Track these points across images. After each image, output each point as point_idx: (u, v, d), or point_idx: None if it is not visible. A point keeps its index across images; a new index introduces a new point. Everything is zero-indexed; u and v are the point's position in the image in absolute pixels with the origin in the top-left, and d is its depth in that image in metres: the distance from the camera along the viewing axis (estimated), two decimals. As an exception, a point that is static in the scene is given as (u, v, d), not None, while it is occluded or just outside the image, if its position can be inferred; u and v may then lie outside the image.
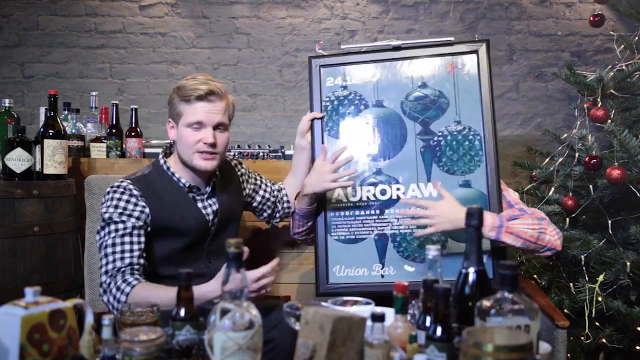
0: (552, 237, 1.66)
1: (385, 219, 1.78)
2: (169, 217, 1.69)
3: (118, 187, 1.68)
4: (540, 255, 1.72)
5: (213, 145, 1.69)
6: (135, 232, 1.65)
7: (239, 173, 1.95)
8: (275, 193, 2.02)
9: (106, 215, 1.65)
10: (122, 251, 1.62)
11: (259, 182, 2.01)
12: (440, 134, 1.79)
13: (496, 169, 1.73)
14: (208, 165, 1.71)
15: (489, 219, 1.61)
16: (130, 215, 1.65)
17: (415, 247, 1.75)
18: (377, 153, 1.83)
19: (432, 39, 1.89)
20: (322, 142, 1.88)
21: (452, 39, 1.86)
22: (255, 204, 2.01)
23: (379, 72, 1.87)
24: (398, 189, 1.79)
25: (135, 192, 1.67)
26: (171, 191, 1.73)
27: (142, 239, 1.66)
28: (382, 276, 1.75)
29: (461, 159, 1.76)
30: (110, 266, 1.60)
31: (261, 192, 2.00)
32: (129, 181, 1.70)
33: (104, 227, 1.66)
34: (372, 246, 1.78)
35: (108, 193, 1.69)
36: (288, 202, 2.02)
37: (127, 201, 1.66)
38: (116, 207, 1.65)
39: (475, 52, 1.80)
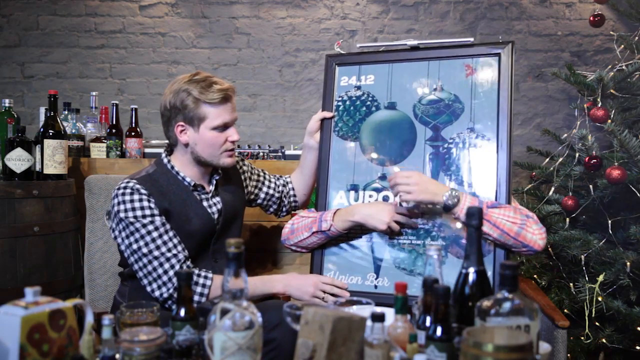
0: (534, 235, 1.53)
1: None
2: (176, 216, 1.68)
3: (125, 188, 1.65)
4: (519, 252, 1.59)
5: (236, 141, 1.75)
6: (167, 226, 1.65)
7: (241, 170, 1.95)
8: (281, 188, 2.01)
9: (130, 220, 1.62)
10: (169, 249, 1.62)
11: (262, 179, 2.00)
12: (451, 140, 1.69)
13: (507, 181, 1.60)
14: (234, 161, 1.78)
15: (467, 201, 1.53)
16: (153, 215, 1.63)
17: (412, 260, 1.67)
18: (383, 157, 1.77)
19: (451, 39, 1.80)
20: (330, 143, 1.84)
21: (471, 39, 1.76)
22: (259, 201, 2.01)
23: (394, 73, 1.81)
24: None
25: (143, 191, 1.65)
26: (177, 190, 1.72)
27: (172, 230, 1.67)
28: (376, 287, 1.69)
29: (471, 168, 1.67)
30: (167, 265, 1.61)
31: (265, 189, 2.00)
32: (134, 181, 1.67)
33: (133, 232, 1.62)
34: (368, 254, 1.72)
35: (117, 195, 1.65)
36: (295, 196, 2.02)
37: (140, 200, 1.64)
38: (134, 209, 1.63)
39: (498, 55, 1.67)
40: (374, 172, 1.78)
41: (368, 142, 1.80)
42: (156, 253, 1.61)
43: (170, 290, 1.61)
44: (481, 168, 1.65)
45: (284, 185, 2.02)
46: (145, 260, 1.62)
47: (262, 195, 2.00)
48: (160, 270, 1.61)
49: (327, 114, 1.86)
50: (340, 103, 1.86)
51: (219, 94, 1.66)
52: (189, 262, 1.66)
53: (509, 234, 1.52)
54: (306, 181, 1.99)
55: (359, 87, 1.85)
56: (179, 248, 1.65)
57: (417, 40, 1.80)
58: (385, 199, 1.74)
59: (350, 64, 1.87)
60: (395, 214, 1.65)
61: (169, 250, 1.62)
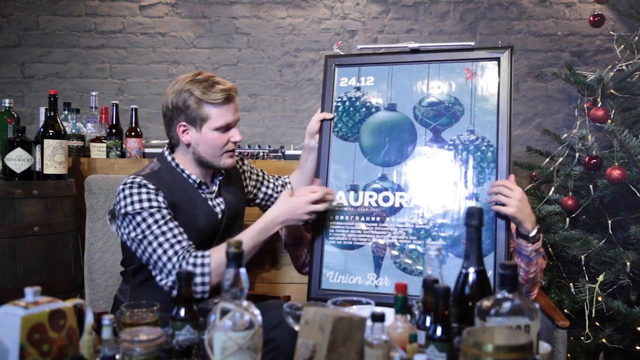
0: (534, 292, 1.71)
1: (386, 227, 1.71)
2: (183, 213, 1.68)
3: (132, 183, 1.64)
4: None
5: (239, 142, 1.75)
6: (172, 217, 1.64)
7: (241, 170, 1.94)
8: (279, 189, 2.01)
9: (137, 211, 1.61)
10: (174, 236, 1.60)
11: (261, 179, 2.00)
12: (451, 142, 1.70)
13: None
14: (234, 161, 1.77)
15: (540, 241, 1.64)
16: (159, 207, 1.63)
17: (413, 260, 1.67)
18: (383, 158, 1.77)
19: (451, 43, 1.82)
20: (330, 144, 1.83)
21: (472, 43, 1.78)
22: (258, 201, 2.01)
23: (394, 75, 1.82)
24: (402, 197, 1.72)
25: (151, 186, 1.64)
26: (182, 187, 1.71)
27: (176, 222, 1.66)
28: (376, 287, 1.68)
29: (471, 171, 1.67)
30: (171, 252, 1.58)
31: (263, 189, 2.00)
32: (141, 177, 1.66)
33: (140, 223, 1.61)
34: (368, 254, 1.71)
35: (123, 190, 1.64)
36: None
37: (148, 193, 1.63)
38: (141, 201, 1.62)
39: (497, 59, 1.70)
40: (374, 173, 1.77)
41: (368, 143, 1.80)
42: (161, 239, 1.60)
43: (173, 278, 1.59)
44: (481, 171, 1.66)
45: (282, 186, 2.02)
46: (150, 249, 1.60)
47: (261, 196, 2.00)
48: (164, 258, 1.59)
49: (327, 115, 1.84)
50: (340, 103, 1.86)
51: (222, 94, 1.66)
52: (191, 249, 1.62)
53: (528, 275, 1.64)
54: (306, 182, 1.98)
55: (358, 88, 1.85)
56: (184, 236, 1.63)
57: (417, 43, 1.81)
58: (386, 199, 1.73)
59: (349, 65, 1.87)
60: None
61: (174, 236, 1.61)
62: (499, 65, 1.71)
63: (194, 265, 1.57)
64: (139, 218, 1.62)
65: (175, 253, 1.59)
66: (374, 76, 1.84)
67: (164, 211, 1.63)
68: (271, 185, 2.01)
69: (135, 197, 1.62)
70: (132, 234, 1.63)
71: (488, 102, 1.70)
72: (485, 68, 1.72)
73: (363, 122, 1.82)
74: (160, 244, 1.60)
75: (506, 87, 1.68)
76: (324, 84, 1.89)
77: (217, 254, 1.58)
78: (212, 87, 1.66)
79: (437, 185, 1.69)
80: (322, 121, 1.86)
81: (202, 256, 1.58)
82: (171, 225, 1.62)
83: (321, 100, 1.89)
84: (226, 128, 1.70)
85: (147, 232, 1.61)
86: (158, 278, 1.62)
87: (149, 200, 1.62)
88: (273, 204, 1.99)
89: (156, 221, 1.61)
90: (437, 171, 1.70)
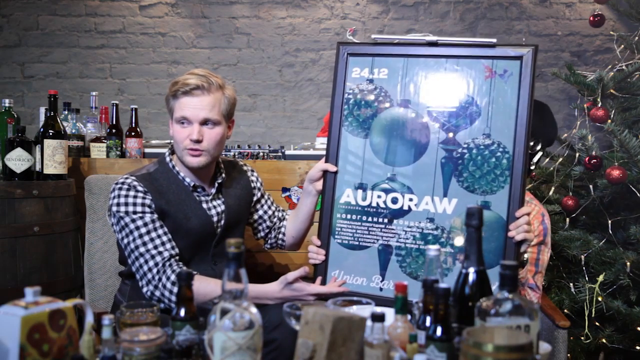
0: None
1: (393, 229, 1.66)
2: (173, 215, 1.69)
3: (123, 183, 1.67)
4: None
5: (197, 141, 1.66)
6: (157, 223, 1.65)
7: (251, 179, 1.92)
8: (275, 220, 1.96)
9: (120, 214, 1.65)
10: (155, 247, 1.62)
11: (263, 201, 1.96)
12: (465, 145, 1.62)
13: (521, 194, 1.55)
14: (194, 162, 1.69)
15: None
16: (144, 212, 1.64)
17: (419, 265, 1.63)
18: (394, 157, 1.69)
19: (472, 39, 1.72)
20: (339, 138, 1.75)
21: (494, 40, 1.66)
22: (251, 221, 1.96)
23: (409, 69, 1.72)
24: (411, 200, 1.66)
25: (140, 188, 1.66)
26: (176, 190, 1.72)
27: (165, 228, 1.67)
28: (381, 289, 1.65)
29: (484, 176, 1.59)
30: (151, 263, 1.61)
31: (260, 212, 1.95)
32: (133, 177, 1.68)
33: (123, 227, 1.65)
34: (374, 256, 1.67)
35: (114, 190, 1.68)
36: (284, 234, 1.95)
37: (135, 196, 1.65)
38: (126, 204, 1.64)
39: (520, 58, 1.60)
40: (383, 172, 1.70)
41: (379, 140, 1.72)
42: (142, 250, 1.63)
43: (151, 288, 1.61)
44: (494, 178, 1.60)
45: (280, 220, 1.97)
46: (133, 256, 1.65)
47: (255, 217, 1.95)
48: (145, 268, 1.62)
49: (331, 168, 1.73)
50: (351, 96, 1.76)
51: (183, 87, 1.66)
52: (172, 261, 1.63)
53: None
54: (298, 225, 1.90)
55: (371, 81, 1.75)
56: (167, 246, 1.64)
57: (435, 37, 1.71)
58: (394, 201, 1.68)
59: (363, 55, 1.77)
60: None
61: (155, 247, 1.63)
62: (521, 65, 1.60)
63: (173, 283, 1.59)
64: (122, 222, 1.65)
65: (156, 264, 1.61)
66: (388, 68, 1.74)
67: (147, 217, 1.64)
68: (269, 212, 1.96)
69: (122, 200, 1.65)
70: (119, 236, 1.69)
71: (507, 105, 1.61)
72: (507, 67, 1.62)
73: (375, 117, 1.73)
74: (141, 254, 1.63)
75: (527, 90, 1.58)
76: (335, 74, 1.78)
77: (199, 283, 1.55)
78: (180, 81, 1.67)
79: (448, 190, 1.63)
80: (331, 117, 1.77)
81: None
82: (153, 235, 1.64)
83: (332, 90, 1.80)
84: (185, 123, 1.67)
85: (130, 237, 1.64)
86: (140, 284, 1.65)
87: (134, 204, 1.65)
88: (263, 230, 1.96)
89: (137, 227, 1.64)
90: (449, 175, 1.64)
